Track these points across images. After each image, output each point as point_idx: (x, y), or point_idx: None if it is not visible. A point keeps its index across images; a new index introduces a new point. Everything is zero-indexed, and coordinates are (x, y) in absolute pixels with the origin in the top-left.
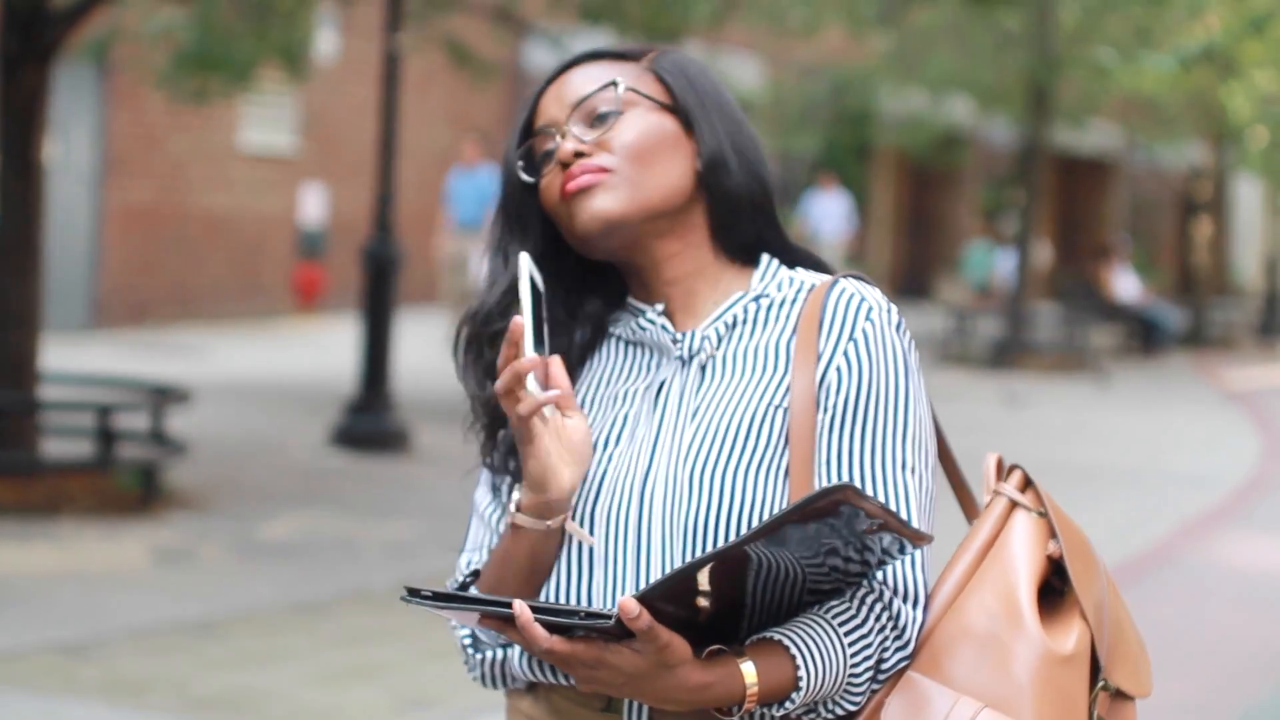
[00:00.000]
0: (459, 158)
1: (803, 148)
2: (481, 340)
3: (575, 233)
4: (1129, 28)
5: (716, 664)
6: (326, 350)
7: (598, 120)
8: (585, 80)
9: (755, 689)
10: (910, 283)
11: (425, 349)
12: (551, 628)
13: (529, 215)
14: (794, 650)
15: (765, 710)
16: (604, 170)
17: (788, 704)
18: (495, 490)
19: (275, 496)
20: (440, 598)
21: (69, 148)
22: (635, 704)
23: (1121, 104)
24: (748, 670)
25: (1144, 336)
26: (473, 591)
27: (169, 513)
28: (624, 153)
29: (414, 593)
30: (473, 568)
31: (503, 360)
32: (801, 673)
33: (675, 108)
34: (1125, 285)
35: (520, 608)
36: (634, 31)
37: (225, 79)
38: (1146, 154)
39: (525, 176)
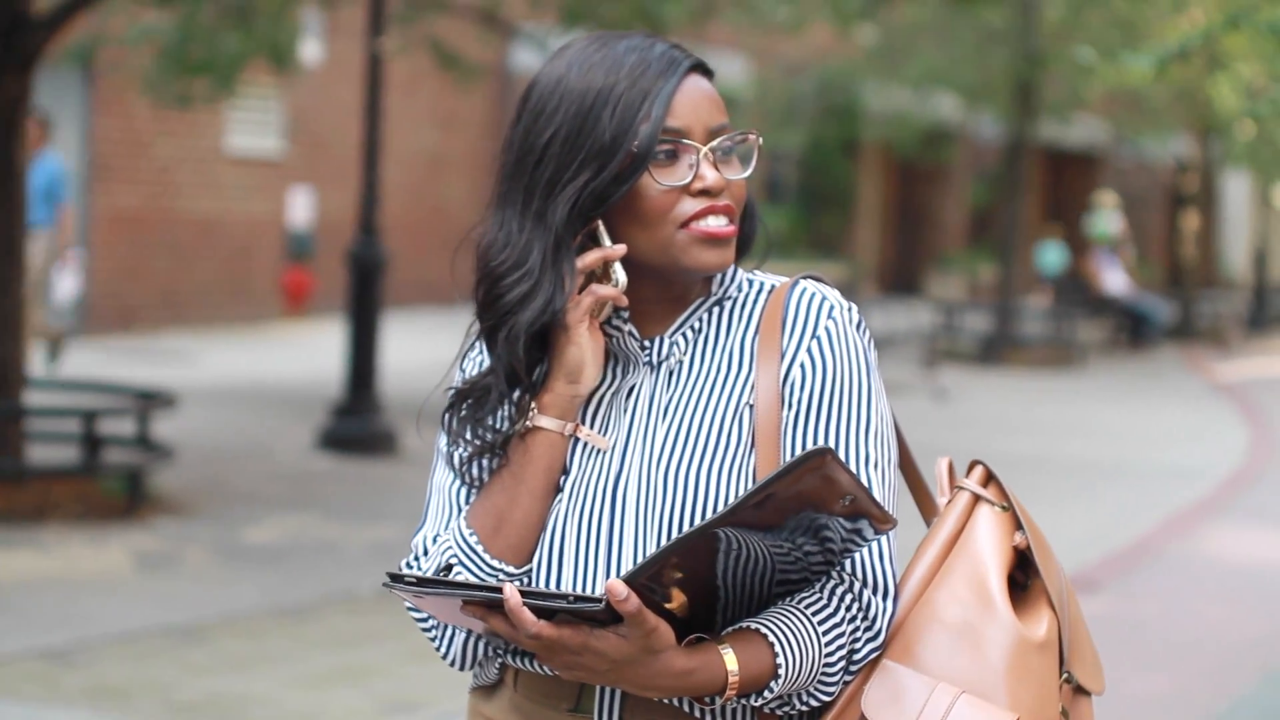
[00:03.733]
0: None
1: (789, 144)
2: (514, 328)
3: (679, 259)
4: (1112, 23)
5: (699, 651)
6: (315, 353)
7: (724, 156)
8: (714, 102)
9: (736, 677)
10: (899, 279)
11: (412, 351)
12: (536, 613)
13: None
14: (772, 639)
15: (742, 701)
16: (731, 220)
17: (766, 693)
18: (456, 472)
19: (261, 500)
20: (425, 583)
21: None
22: (607, 703)
23: (1107, 98)
24: (729, 658)
25: (1132, 330)
26: (456, 576)
27: (155, 518)
28: (739, 207)
29: (396, 578)
30: (441, 546)
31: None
32: (780, 660)
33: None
34: (1113, 279)
35: (511, 591)
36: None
37: (209, 82)
38: (1133, 148)
39: (656, 178)
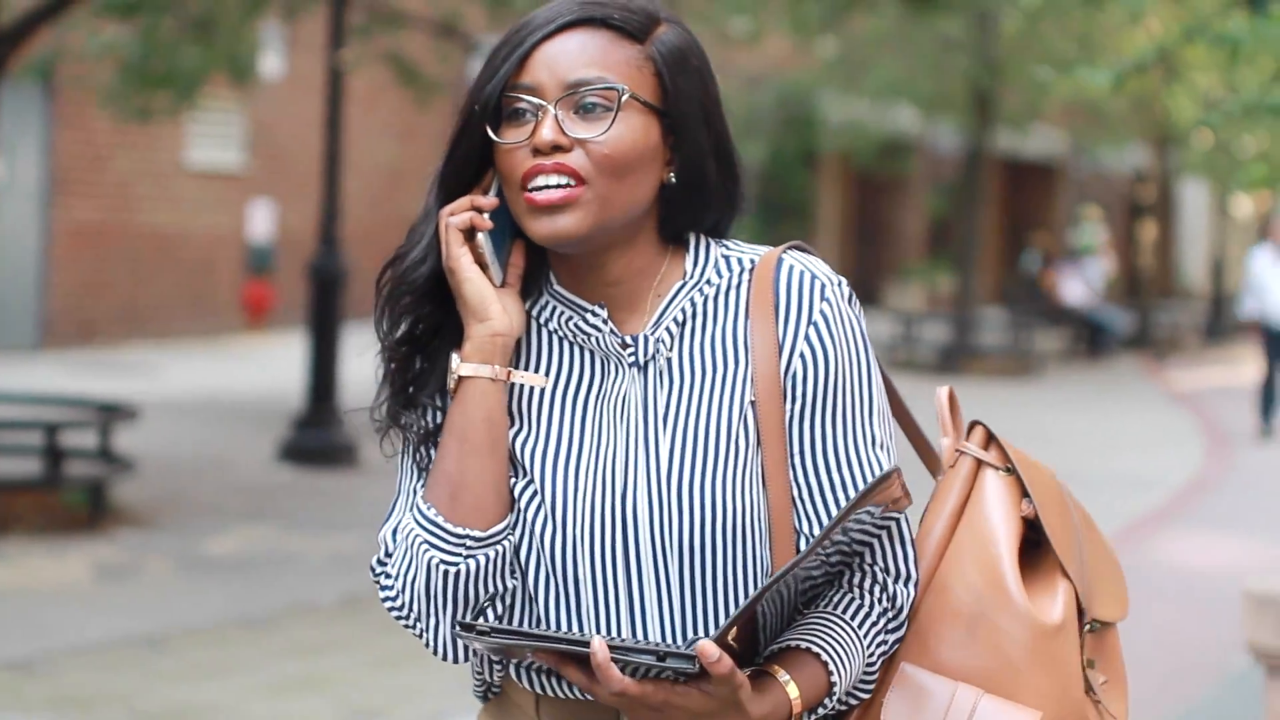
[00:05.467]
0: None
1: (749, 156)
2: (402, 288)
3: (524, 229)
4: (1069, 34)
5: (768, 691)
6: (275, 366)
7: (585, 111)
8: (584, 55)
9: (800, 705)
10: (858, 289)
11: (372, 363)
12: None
13: (475, 164)
14: (825, 657)
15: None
16: (578, 182)
17: (820, 709)
18: (413, 460)
19: (223, 512)
20: (499, 633)
21: (15, 168)
22: None
23: (1065, 109)
24: (792, 689)
25: (1090, 339)
26: (537, 628)
27: (117, 529)
28: (603, 165)
29: (467, 628)
30: (406, 532)
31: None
32: (835, 679)
33: (665, 111)
34: (1072, 289)
35: (599, 645)
36: None
37: (170, 96)
38: (1091, 158)
39: (490, 132)
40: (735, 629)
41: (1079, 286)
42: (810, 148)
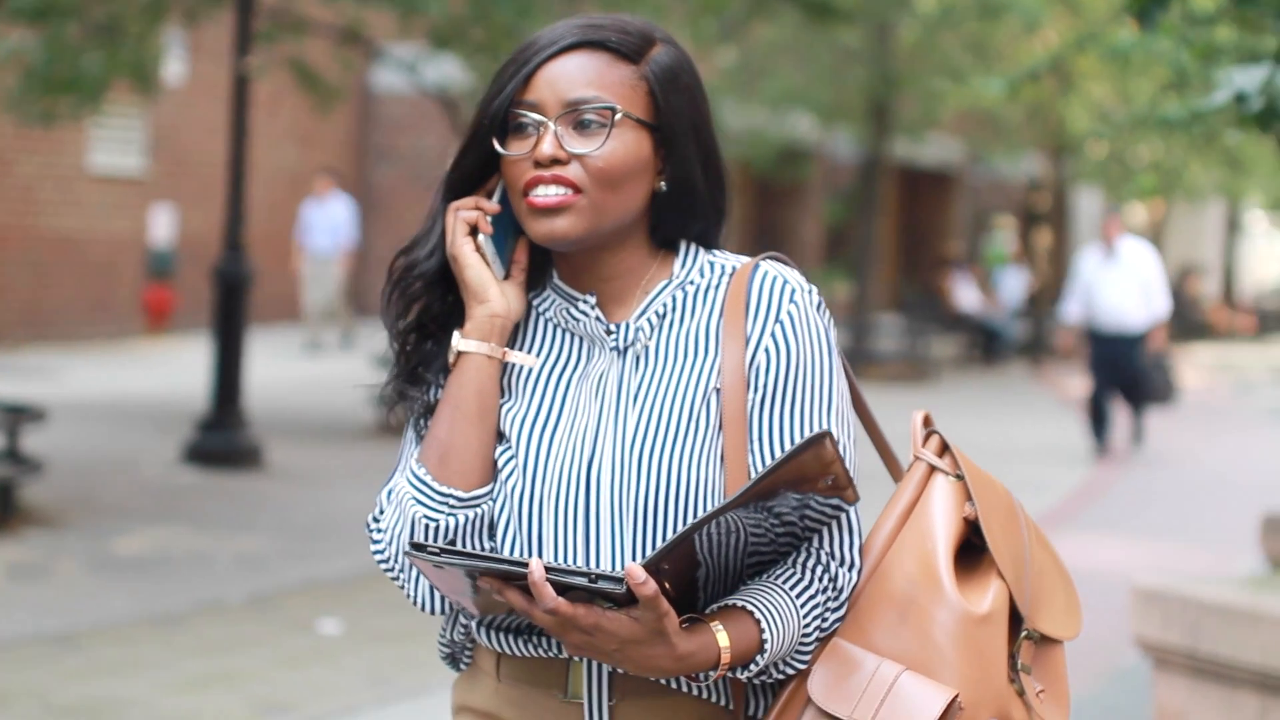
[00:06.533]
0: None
1: None
2: (412, 274)
3: (525, 229)
4: (965, 45)
5: (696, 633)
6: (177, 370)
7: (583, 127)
8: (583, 76)
9: (729, 654)
10: None
11: (273, 366)
12: (554, 588)
13: (480, 171)
14: (758, 614)
15: (728, 674)
16: (575, 191)
17: (752, 666)
18: (414, 430)
19: (130, 513)
20: (447, 553)
21: None
22: (595, 684)
23: (961, 117)
24: (721, 636)
25: (985, 346)
26: (482, 552)
27: (25, 530)
28: (598, 177)
29: (419, 548)
30: (398, 493)
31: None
32: (766, 635)
33: (656, 126)
34: (966, 296)
35: (536, 565)
36: (480, 57)
37: (74, 101)
38: (987, 166)
39: (496, 144)
40: (668, 565)
41: (973, 293)
42: None
